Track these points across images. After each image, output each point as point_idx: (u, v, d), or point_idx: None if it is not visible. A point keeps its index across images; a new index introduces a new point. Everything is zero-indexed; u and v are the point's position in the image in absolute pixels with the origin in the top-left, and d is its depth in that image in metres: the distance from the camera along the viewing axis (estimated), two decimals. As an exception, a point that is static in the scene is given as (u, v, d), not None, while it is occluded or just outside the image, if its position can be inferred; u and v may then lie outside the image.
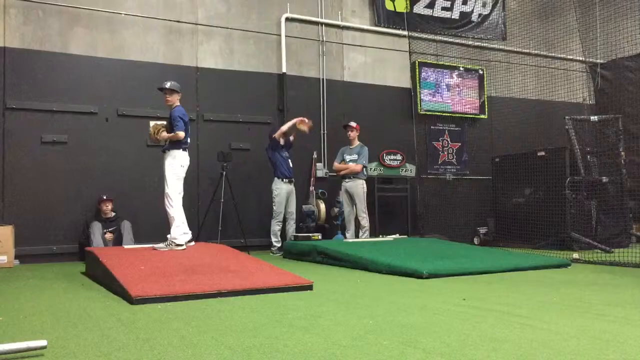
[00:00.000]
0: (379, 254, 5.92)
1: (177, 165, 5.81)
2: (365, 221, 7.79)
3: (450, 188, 9.63)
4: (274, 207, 7.69)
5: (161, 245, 5.68)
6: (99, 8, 7.56)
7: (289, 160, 7.79)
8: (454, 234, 8.75)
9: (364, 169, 7.88)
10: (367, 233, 7.83)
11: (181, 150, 5.84)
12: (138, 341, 2.71)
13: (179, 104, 5.98)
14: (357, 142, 8.00)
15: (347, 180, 7.89)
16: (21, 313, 3.50)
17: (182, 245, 5.70)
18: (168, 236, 5.73)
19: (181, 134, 5.73)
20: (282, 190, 7.66)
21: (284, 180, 7.67)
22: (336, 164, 8.08)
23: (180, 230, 5.75)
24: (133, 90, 7.64)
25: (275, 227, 7.70)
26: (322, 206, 8.47)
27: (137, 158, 7.60)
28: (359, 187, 7.79)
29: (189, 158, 5.98)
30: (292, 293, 4.21)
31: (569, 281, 4.91)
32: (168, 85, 5.96)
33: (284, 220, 7.81)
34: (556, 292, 4.23)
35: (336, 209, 8.42)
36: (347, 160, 7.94)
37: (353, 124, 7.98)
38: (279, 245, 7.66)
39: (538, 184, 8.20)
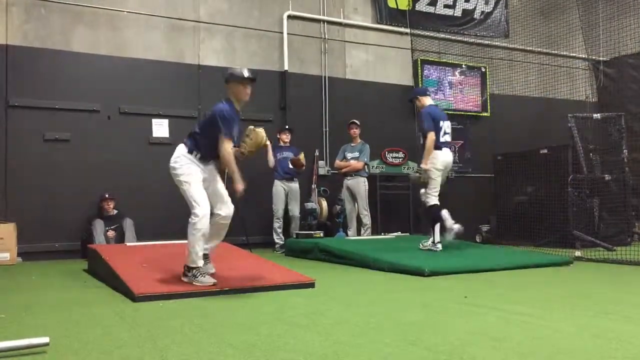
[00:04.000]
0: (381, 251, 5.91)
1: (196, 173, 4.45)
2: (367, 219, 7.79)
3: (452, 186, 9.59)
4: (272, 206, 7.77)
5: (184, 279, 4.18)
6: (101, 6, 7.55)
7: (289, 161, 7.82)
8: (456, 231, 8.73)
9: (366, 166, 7.88)
10: (369, 231, 7.83)
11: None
12: (140, 338, 2.71)
13: None
14: (358, 140, 8.00)
15: (348, 178, 7.90)
16: (23, 310, 3.51)
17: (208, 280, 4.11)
18: (189, 266, 4.15)
19: None
20: (278, 189, 7.75)
21: (280, 179, 7.74)
22: (337, 162, 8.08)
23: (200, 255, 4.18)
24: (135, 88, 7.64)
25: (275, 224, 7.77)
26: (324, 204, 8.46)
27: (139, 156, 7.60)
28: (360, 184, 7.80)
29: (209, 166, 4.60)
30: (293, 291, 4.21)
31: (571, 279, 4.91)
32: None
33: (288, 220, 7.87)
34: (558, 290, 4.23)
35: (338, 207, 8.41)
36: (349, 157, 7.94)
37: (356, 122, 8.00)
38: (281, 242, 7.68)
39: (540, 182, 8.17)
